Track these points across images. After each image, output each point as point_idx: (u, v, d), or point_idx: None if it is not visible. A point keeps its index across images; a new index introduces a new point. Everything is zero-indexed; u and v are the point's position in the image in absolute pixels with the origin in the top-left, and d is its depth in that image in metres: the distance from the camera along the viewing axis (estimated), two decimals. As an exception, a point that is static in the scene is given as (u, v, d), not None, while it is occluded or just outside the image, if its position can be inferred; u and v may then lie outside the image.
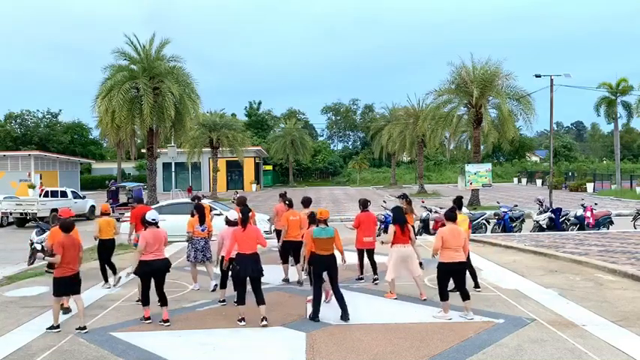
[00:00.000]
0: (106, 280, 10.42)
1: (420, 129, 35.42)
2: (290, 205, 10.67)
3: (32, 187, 38.81)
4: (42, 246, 13.16)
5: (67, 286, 7.72)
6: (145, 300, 8.02)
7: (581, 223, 17.99)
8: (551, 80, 25.05)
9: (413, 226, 10.02)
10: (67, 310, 8.49)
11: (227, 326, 7.78)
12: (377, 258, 10.30)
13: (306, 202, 10.81)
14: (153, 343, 7.05)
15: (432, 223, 17.37)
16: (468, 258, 8.52)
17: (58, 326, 7.67)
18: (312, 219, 8.77)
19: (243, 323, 7.70)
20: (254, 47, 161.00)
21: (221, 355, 6.73)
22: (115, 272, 10.59)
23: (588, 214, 17.84)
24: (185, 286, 10.27)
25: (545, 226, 17.77)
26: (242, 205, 10.20)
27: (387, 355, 6.49)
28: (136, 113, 25.63)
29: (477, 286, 9.38)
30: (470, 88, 28.10)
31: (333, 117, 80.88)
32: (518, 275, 10.72)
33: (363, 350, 6.64)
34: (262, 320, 7.64)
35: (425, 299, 8.79)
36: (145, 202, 26.71)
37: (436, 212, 17.18)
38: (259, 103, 76.62)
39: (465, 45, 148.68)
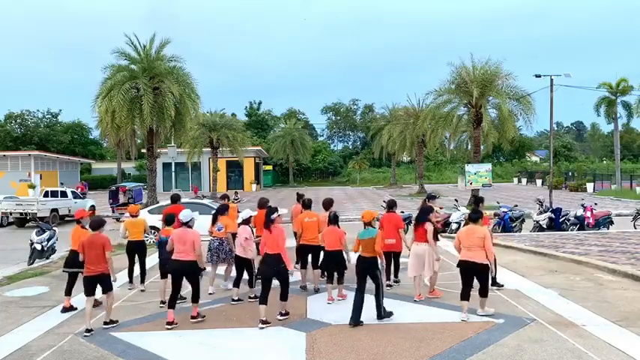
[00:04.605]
0: (130, 281, 10.16)
1: (420, 129, 35.41)
2: (306, 206, 9.96)
3: (32, 187, 38.84)
4: (42, 246, 13.17)
5: (84, 286, 7.74)
6: (169, 302, 7.90)
7: (581, 223, 17.99)
8: (551, 80, 25.04)
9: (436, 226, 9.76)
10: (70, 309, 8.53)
11: (227, 326, 7.79)
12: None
13: (327, 204, 10.10)
14: (153, 343, 7.05)
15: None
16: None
17: (89, 330, 7.46)
18: (333, 220, 8.81)
19: (262, 326, 7.56)
20: (254, 47, 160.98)
21: (221, 355, 6.73)
22: (142, 280, 10.14)
23: (588, 214, 17.84)
24: (184, 286, 10.23)
25: (545, 226, 17.77)
26: (263, 206, 9.86)
27: (387, 355, 6.49)
28: (136, 113, 25.63)
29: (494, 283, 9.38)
30: (470, 88, 28.09)
31: (333, 117, 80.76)
32: (518, 275, 10.72)
33: (363, 350, 6.64)
34: (279, 315, 7.80)
35: (416, 300, 8.79)
36: (145, 202, 26.83)
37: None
38: (259, 103, 76.74)
39: (465, 45, 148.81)
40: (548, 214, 18.08)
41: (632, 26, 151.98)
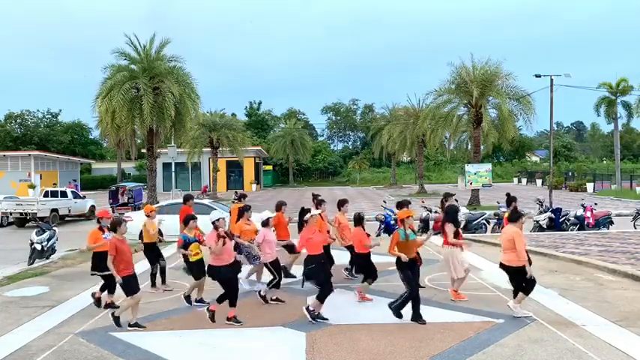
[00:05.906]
0: (152, 284, 9.90)
1: (420, 129, 35.46)
2: (316, 205, 10.21)
3: (32, 187, 38.85)
4: (42, 246, 13.17)
5: None
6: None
7: (581, 223, 17.98)
8: (551, 80, 25.03)
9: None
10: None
11: (227, 326, 7.77)
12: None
13: (338, 203, 10.45)
14: (152, 343, 7.05)
15: (431, 223, 17.36)
16: (530, 260, 8.40)
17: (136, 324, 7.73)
18: (358, 220, 8.92)
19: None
20: (254, 47, 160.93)
21: (221, 355, 6.72)
22: (163, 282, 10.00)
23: (588, 214, 17.83)
24: (184, 285, 10.23)
25: (545, 226, 17.77)
26: (279, 208, 10.35)
27: (387, 355, 6.49)
28: (136, 113, 25.67)
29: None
30: (470, 88, 28.12)
31: (333, 117, 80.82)
32: (518, 275, 10.69)
33: (363, 350, 6.64)
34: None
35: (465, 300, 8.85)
36: (145, 202, 26.82)
37: (436, 212, 17.18)
38: (259, 103, 76.87)
39: (465, 45, 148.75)
40: (548, 214, 18.07)
41: (632, 26, 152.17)
